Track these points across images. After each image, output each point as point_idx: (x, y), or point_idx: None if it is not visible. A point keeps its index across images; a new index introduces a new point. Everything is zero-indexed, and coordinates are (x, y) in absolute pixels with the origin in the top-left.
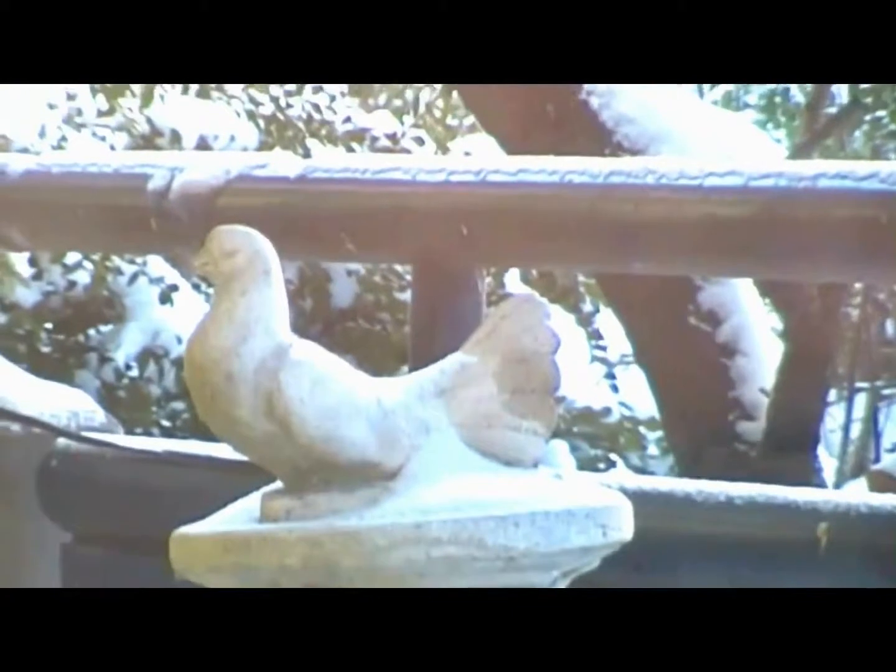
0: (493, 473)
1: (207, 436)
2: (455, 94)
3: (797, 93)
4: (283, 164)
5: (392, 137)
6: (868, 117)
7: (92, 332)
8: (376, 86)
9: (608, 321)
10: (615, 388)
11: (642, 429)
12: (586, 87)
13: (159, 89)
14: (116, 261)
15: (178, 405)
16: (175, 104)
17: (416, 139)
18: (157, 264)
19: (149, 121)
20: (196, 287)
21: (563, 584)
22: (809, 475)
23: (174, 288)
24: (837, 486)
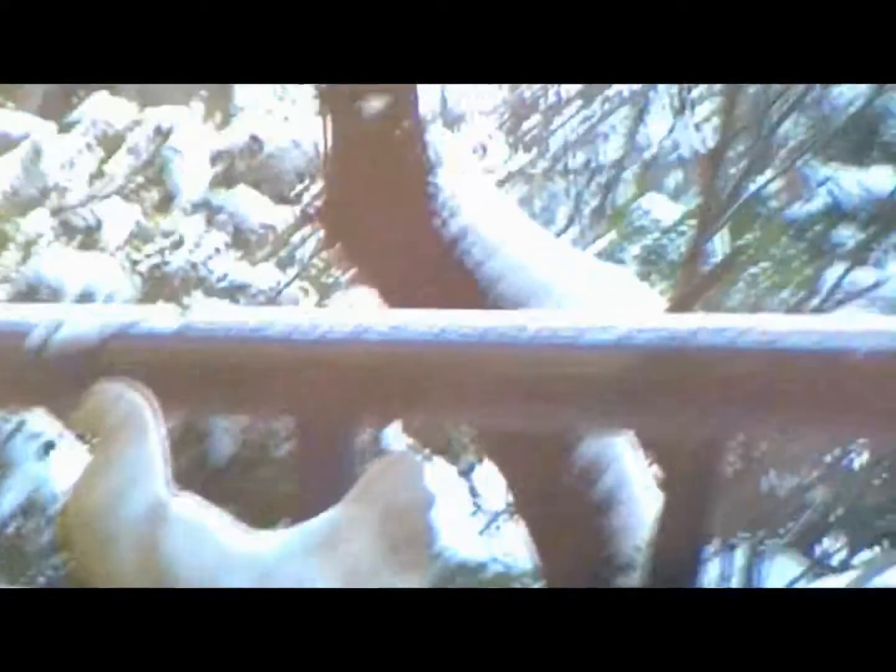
0: None
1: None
2: (338, 246)
3: (673, 250)
4: (161, 318)
5: (273, 291)
6: (745, 273)
7: None
8: (256, 242)
9: (491, 472)
10: (496, 540)
11: (526, 580)
12: (465, 242)
13: (36, 246)
14: None
15: (56, 560)
16: (56, 257)
17: (301, 289)
18: (36, 419)
19: (29, 274)
20: (81, 436)
21: None
22: None
23: (51, 445)
24: None
